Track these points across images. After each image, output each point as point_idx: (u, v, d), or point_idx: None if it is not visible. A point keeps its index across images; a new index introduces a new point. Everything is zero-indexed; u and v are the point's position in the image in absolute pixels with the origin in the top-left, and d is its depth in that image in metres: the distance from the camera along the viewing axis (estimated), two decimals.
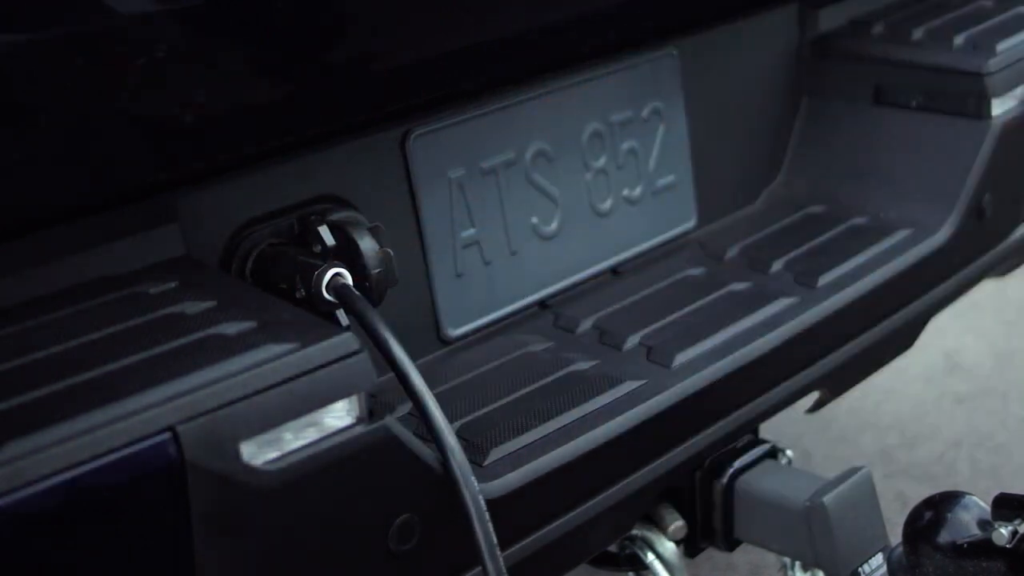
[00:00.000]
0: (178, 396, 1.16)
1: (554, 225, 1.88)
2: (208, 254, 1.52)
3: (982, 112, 2.09)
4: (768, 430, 1.90)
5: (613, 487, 1.62)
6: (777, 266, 1.96)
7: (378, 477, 1.33)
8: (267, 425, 1.22)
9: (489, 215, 1.80)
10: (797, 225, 2.10)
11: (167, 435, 1.15)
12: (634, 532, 1.79)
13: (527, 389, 1.65)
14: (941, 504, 1.58)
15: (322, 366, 1.25)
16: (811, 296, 1.88)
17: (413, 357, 1.40)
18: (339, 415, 1.28)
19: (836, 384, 1.99)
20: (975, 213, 2.08)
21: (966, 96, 2.10)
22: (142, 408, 1.14)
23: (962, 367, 3.37)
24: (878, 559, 1.73)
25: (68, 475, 1.10)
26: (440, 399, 1.40)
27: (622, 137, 1.96)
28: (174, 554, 1.19)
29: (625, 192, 1.97)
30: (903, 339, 2.09)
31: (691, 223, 2.07)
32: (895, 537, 1.68)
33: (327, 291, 1.46)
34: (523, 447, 1.53)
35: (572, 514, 1.58)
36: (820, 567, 1.76)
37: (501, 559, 1.36)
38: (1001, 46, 2.14)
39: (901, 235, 2.03)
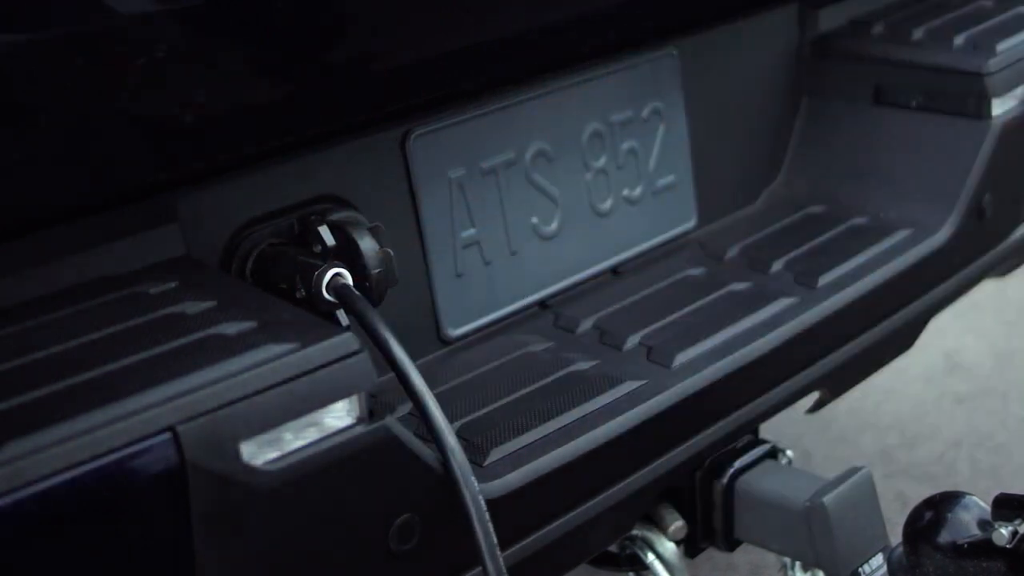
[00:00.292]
0: (178, 396, 1.16)
1: (554, 225, 1.88)
2: (208, 254, 1.52)
3: (982, 112, 2.09)
4: (768, 430, 1.90)
5: (613, 487, 1.62)
6: (777, 266, 1.96)
7: (378, 477, 1.33)
8: (267, 425, 1.22)
9: (489, 215, 1.80)
10: (797, 225, 2.10)
11: (167, 435, 1.15)
12: (634, 532, 1.79)
13: (527, 389, 1.65)
14: (941, 504, 1.58)
15: (322, 366, 1.25)
16: (811, 296, 1.88)
17: (413, 357, 1.40)
18: (339, 415, 1.28)
19: (836, 384, 1.99)
20: (975, 213, 2.08)
21: (966, 96, 2.10)
22: (142, 408, 1.14)
23: (962, 367, 3.37)
24: (878, 559, 1.73)
25: (68, 475, 1.09)
26: (440, 399, 1.40)
27: (622, 137, 1.96)
28: (174, 554, 1.19)
29: (625, 192, 1.97)
30: (903, 339, 2.09)
31: (691, 223, 2.07)
32: (895, 537, 1.68)
33: (327, 291, 1.46)
34: (523, 447, 1.53)
35: (572, 514, 1.58)
36: (820, 567, 1.76)
37: (501, 559, 1.36)
38: (1001, 46, 2.14)
39: (901, 235, 2.03)
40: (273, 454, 1.23)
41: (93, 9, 1.30)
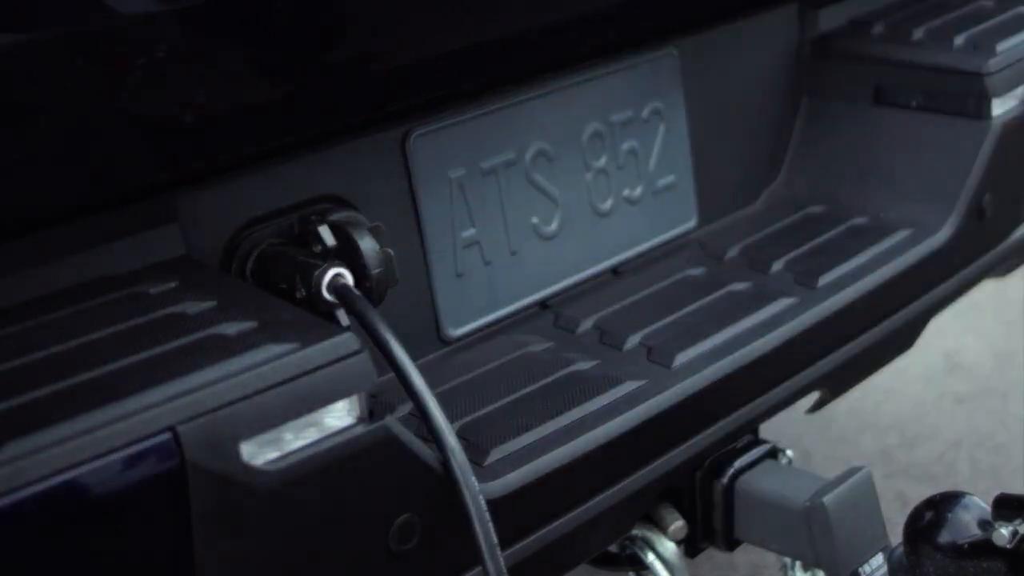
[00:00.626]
0: (178, 396, 1.16)
1: (554, 225, 1.88)
2: (208, 254, 1.52)
3: (982, 112, 2.09)
4: (768, 430, 1.90)
5: (613, 487, 1.62)
6: (777, 266, 1.96)
7: (378, 477, 1.33)
8: (267, 425, 1.22)
9: (489, 215, 1.80)
10: (797, 225, 2.10)
11: (167, 435, 1.15)
12: (634, 532, 1.79)
13: (527, 389, 1.65)
14: (941, 504, 1.58)
15: (322, 366, 1.25)
16: (811, 296, 1.88)
17: (413, 357, 1.40)
18: (339, 415, 1.28)
19: (836, 384, 1.99)
20: (975, 213, 2.08)
21: (966, 96, 2.10)
22: (142, 408, 1.14)
23: (962, 367, 3.37)
24: (878, 559, 1.72)
25: (68, 475, 1.10)
26: (440, 399, 1.40)
27: (622, 137, 1.96)
28: (174, 554, 1.19)
29: (625, 192, 1.97)
30: (903, 339, 2.09)
31: (691, 223, 2.07)
32: (895, 537, 1.68)
33: (327, 291, 1.46)
34: (523, 447, 1.53)
35: (572, 514, 1.58)
36: (820, 567, 1.76)
37: (501, 559, 1.36)
38: (1001, 46, 2.14)
39: (901, 235, 2.03)
40: (273, 454, 1.23)
41: (93, 9, 1.30)
